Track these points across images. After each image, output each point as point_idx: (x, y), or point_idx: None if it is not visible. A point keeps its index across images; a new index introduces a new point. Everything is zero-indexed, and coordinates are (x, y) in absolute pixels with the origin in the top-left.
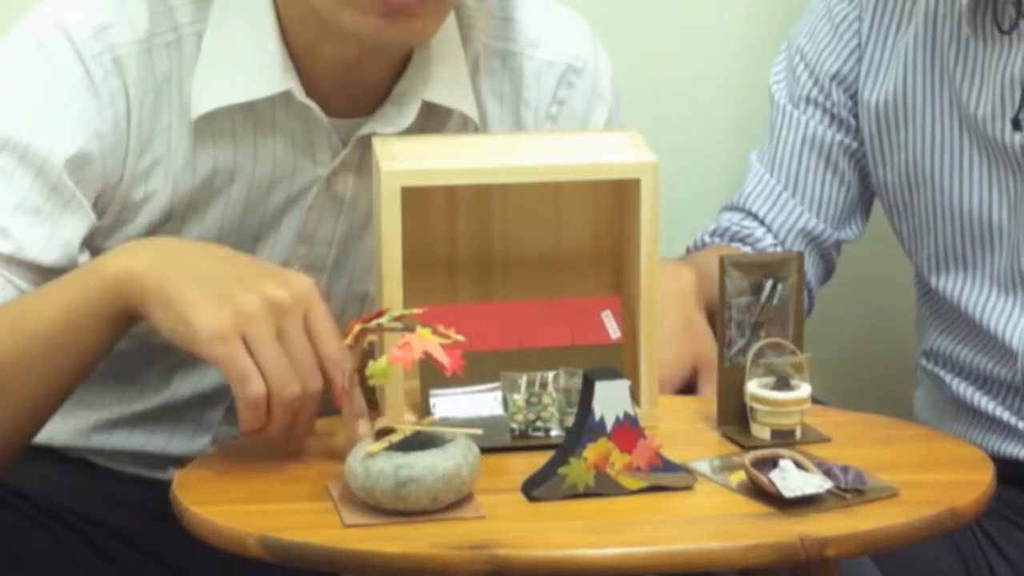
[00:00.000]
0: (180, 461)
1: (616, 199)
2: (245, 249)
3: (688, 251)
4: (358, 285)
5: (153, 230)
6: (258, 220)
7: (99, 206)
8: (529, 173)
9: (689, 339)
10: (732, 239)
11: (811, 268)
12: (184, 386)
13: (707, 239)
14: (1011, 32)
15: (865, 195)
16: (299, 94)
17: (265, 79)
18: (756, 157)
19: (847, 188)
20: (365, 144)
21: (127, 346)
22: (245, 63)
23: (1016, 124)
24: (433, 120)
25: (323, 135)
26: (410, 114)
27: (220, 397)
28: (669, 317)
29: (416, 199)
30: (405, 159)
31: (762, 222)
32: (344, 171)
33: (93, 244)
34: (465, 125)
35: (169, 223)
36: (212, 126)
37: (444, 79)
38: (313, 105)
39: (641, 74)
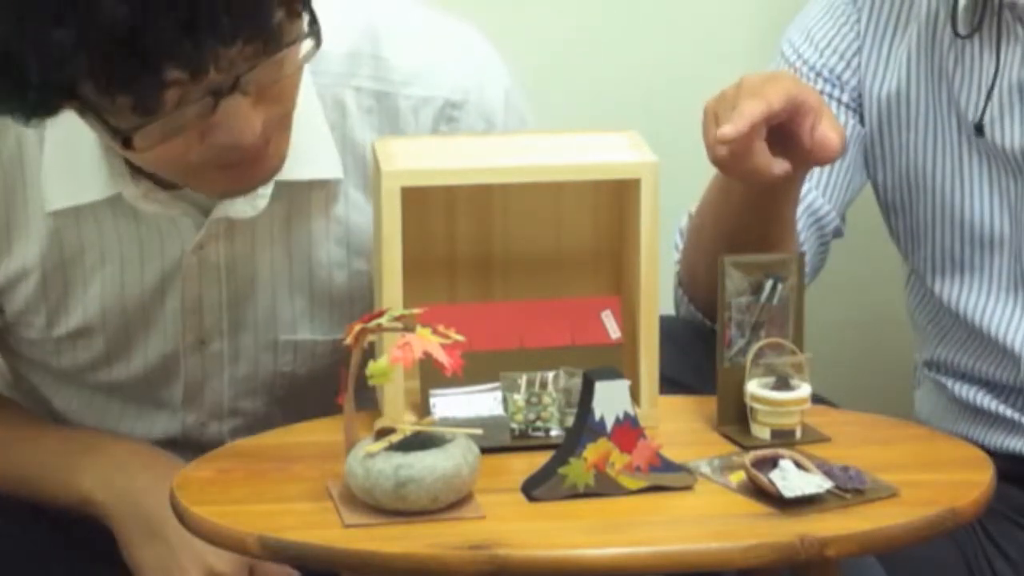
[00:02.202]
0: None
1: (616, 199)
2: (134, 325)
3: (690, 216)
4: (266, 336)
5: (34, 300)
6: (139, 297)
7: None
8: (529, 173)
9: (782, 79)
10: None
11: (809, 253)
12: (135, 435)
13: None
14: (1009, 37)
15: (862, 188)
16: (130, 197)
17: (95, 185)
18: None
19: (851, 175)
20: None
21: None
22: (78, 168)
23: (979, 129)
24: (296, 189)
25: (180, 211)
26: (264, 196)
27: (179, 445)
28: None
29: (416, 199)
30: (405, 159)
31: None
32: (213, 242)
33: None
34: (331, 182)
35: (49, 298)
36: (76, 216)
37: (298, 152)
38: (150, 205)
39: (641, 74)
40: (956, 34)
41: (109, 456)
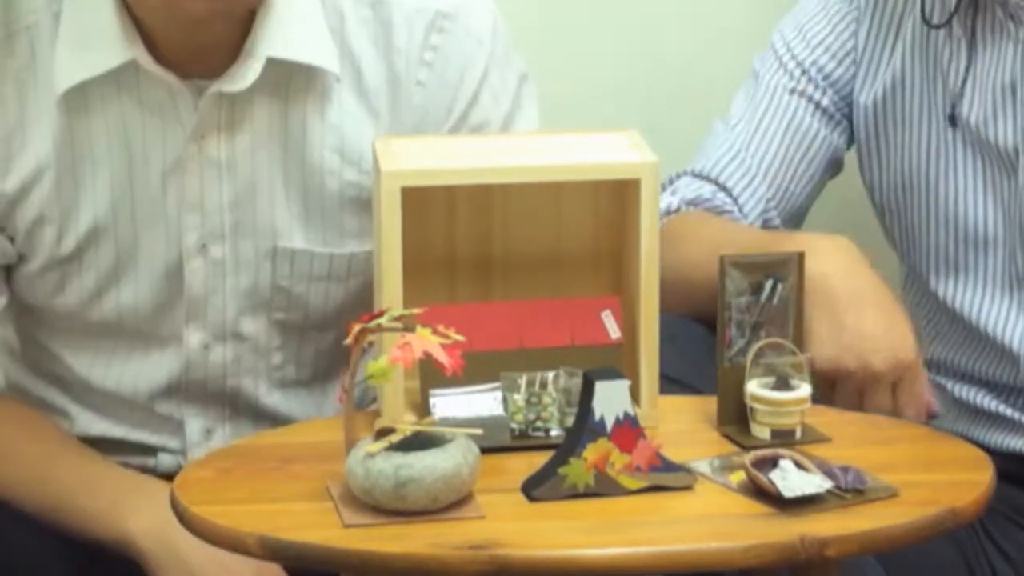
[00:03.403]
0: (166, 450)
1: (616, 199)
2: (141, 223)
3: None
4: (265, 243)
5: (48, 202)
6: (144, 189)
7: None
8: (529, 173)
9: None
10: (708, 211)
11: None
12: (140, 384)
13: (684, 207)
14: (1001, 34)
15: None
16: (145, 62)
17: (110, 52)
18: (729, 126)
19: (814, 186)
20: (231, 103)
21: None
22: (93, 39)
23: (952, 120)
24: (296, 76)
25: (184, 98)
26: (255, 71)
27: (183, 390)
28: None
29: (416, 199)
30: (405, 159)
31: (735, 200)
32: (213, 133)
33: (4, 224)
34: (329, 78)
35: (62, 197)
36: (84, 100)
37: (291, 35)
38: (161, 71)
39: (641, 74)
40: (926, 23)
41: (156, 502)
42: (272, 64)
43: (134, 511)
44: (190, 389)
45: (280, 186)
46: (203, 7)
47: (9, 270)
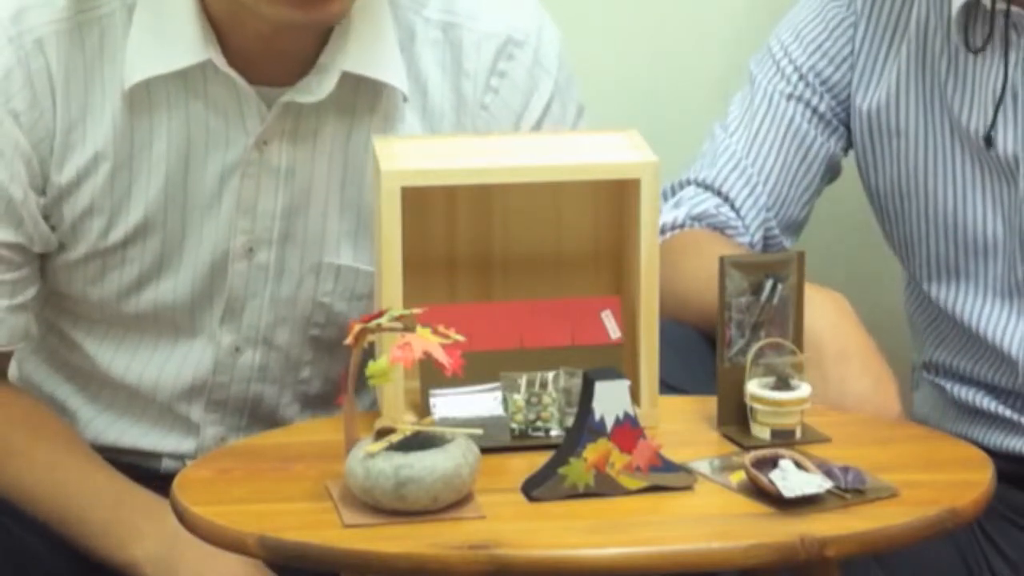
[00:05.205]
0: (174, 456)
1: (616, 199)
2: (192, 218)
3: (663, 231)
4: (311, 256)
5: (101, 194)
6: (199, 189)
7: (34, 182)
8: (529, 173)
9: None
10: (713, 228)
11: None
12: (163, 380)
13: (689, 223)
14: (1005, 44)
15: (815, 204)
16: (220, 63)
17: (186, 50)
18: (728, 132)
19: (812, 193)
20: (297, 113)
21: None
22: (169, 35)
23: (988, 140)
24: (364, 92)
25: (251, 104)
26: (329, 84)
27: (208, 389)
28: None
29: (416, 199)
30: (405, 159)
31: (737, 212)
32: (276, 140)
33: (50, 213)
34: (396, 97)
35: (116, 189)
36: (148, 95)
37: (366, 51)
38: (234, 74)
39: (640, 73)
40: (968, 49)
41: (162, 526)
42: (343, 79)
43: (142, 536)
44: (213, 391)
45: (335, 201)
46: (301, 17)
47: (44, 257)
